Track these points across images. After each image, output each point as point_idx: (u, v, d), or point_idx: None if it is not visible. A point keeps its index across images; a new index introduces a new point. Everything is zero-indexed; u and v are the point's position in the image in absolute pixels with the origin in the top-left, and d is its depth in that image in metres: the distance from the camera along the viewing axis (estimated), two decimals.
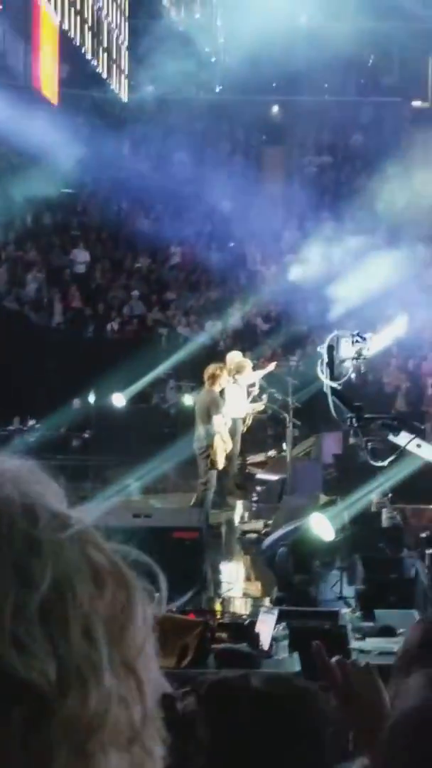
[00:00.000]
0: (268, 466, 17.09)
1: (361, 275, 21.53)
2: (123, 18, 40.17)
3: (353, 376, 10.55)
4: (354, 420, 9.69)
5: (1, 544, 0.90)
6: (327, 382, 9.70)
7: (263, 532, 13.13)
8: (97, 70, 37.45)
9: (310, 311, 23.17)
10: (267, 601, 10.28)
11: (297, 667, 6.88)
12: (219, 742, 2.28)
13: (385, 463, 9.88)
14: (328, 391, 9.68)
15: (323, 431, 16.41)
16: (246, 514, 15.23)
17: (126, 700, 0.91)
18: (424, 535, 11.20)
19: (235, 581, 12.25)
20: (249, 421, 15.67)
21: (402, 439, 9.57)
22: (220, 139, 34.08)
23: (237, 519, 15.01)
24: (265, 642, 7.32)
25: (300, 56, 36.20)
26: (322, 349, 9.91)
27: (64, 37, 34.54)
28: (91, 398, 19.83)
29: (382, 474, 11.20)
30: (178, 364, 21.55)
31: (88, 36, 36.92)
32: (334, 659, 2.46)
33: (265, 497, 15.44)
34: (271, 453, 17.91)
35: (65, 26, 34.75)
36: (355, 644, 7.67)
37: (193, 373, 19.11)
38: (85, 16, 36.73)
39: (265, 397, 15.52)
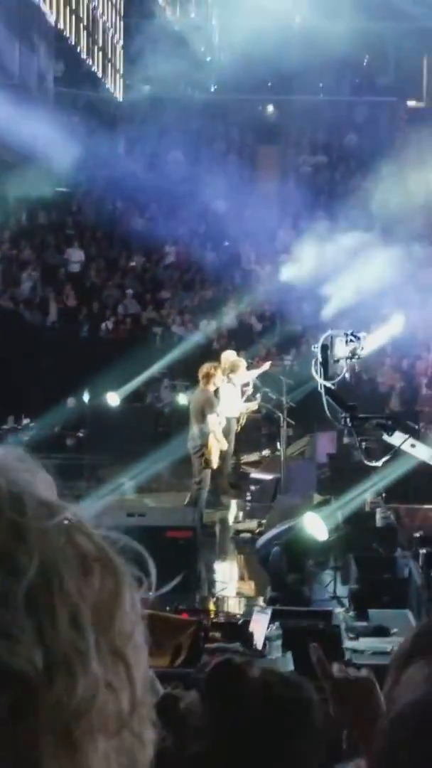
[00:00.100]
0: (262, 465, 17.09)
1: (355, 275, 21.54)
2: (118, 17, 40.17)
3: (347, 375, 10.57)
4: (348, 419, 9.70)
5: None
6: (321, 382, 9.71)
7: (257, 531, 13.14)
8: (92, 69, 37.43)
9: (304, 311, 23.18)
10: (260, 601, 10.29)
11: (290, 667, 6.89)
12: (220, 726, 2.30)
13: (380, 463, 9.89)
14: (323, 391, 9.69)
15: (317, 431, 16.42)
16: (240, 514, 15.24)
17: (114, 687, 0.91)
18: (417, 534, 11.20)
19: (228, 581, 12.26)
20: (243, 421, 15.67)
21: (396, 438, 9.58)
22: (215, 138, 34.08)
23: (231, 518, 15.01)
24: (258, 641, 7.33)
25: (295, 56, 36.18)
26: (317, 349, 9.92)
27: (59, 36, 34.52)
28: (86, 397, 19.81)
29: (376, 474, 11.22)
30: (173, 363, 21.56)
31: (83, 35, 36.91)
32: (333, 666, 2.46)
33: (259, 497, 15.45)
34: (265, 452, 17.92)
35: (60, 25, 34.73)
36: (348, 644, 7.68)
37: (187, 373, 19.12)
38: (81, 15, 36.72)
39: (259, 396, 15.52)
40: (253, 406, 15.57)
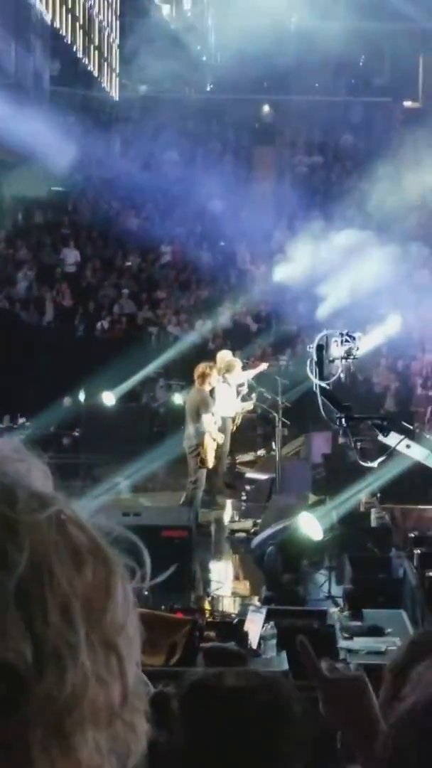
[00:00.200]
0: (257, 465, 17.10)
1: (351, 275, 21.55)
2: (114, 16, 40.14)
3: (343, 375, 10.57)
4: (343, 420, 9.71)
5: None
6: (316, 382, 9.72)
7: (252, 531, 13.15)
8: (89, 69, 37.41)
9: (300, 311, 23.18)
10: (255, 600, 10.30)
11: (285, 666, 6.91)
12: (198, 742, 2.32)
13: (375, 464, 9.90)
14: (318, 391, 9.71)
15: (312, 431, 16.43)
16: (235, 514, 15.23)
17: (105, 679, 0.92)
18: (412, 535, 11.23)
19: (223, 580, 12.27)
20: (238, 420, 15.68)
21: (391, 439, 9.59)
22: (211, 138, 34.06)
23: (226, 518, 15.01)
24: (253, 641, 7.35)
25: (291, 56, 36.24)
26: (312, 349, 9.93)
27: (55, 35, 34.50)
28: (81, 397, 19.81)
29: (371, 474, 11.23)
30: (168, 363, 21.55)
31: (80, 34, 36.88)
32: (322, 663, 2.47)
33: (254, 496, 15.45)
34: (261, 452, 17.92)
35: (56, 24, 34.70)
36: (343, 643, 7.70)
37: (182, 372, 19.11)
38: (77, 14, 36.69)
39: (254, 396, 15.53)
40: (249, 405, 15.57)
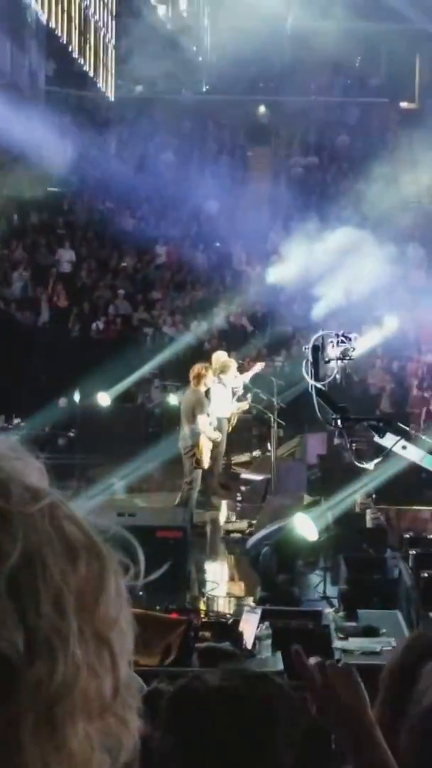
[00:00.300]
0: (252, 466, 17.10)
1: (346, 276, 21.56)
2: (110, 16, 40.12)
3: (338, 376, 10.57)
4: (339, 421, 9.71)
5: None
6: (312, 383, 9.71)
7: (247, 531, 13.15)
8: (84, 69, 37.40)
9: (295, 312, 23.19)
10: (250, 601, 10.30)
11: (280, 666, 6.91)
12: (185, 742, 2.33)
13: (371, 465, 9.90)
14: (313, 392, 9.70)
15: (308, 432, 16.44)
16: (230, 514, 15.24)
17: (96, 671, 0.92)
18: (407, 535, 11.24)
19: (218, 580, 12.26)
20: (234, 421, 15.68)
21: (387, 440, 9.58)
22: (206, 138, 34.09)
23: (221, 519, 15.02)
24: (248, 641, 7.35)
25: (286, 57, 36.26)
26: (308, 350, 9.93)
27: (50, 35, 34.48)
28: (77, 397, 19.81)
29: (366, 475, 11.23)
30: (164, 363, 21.57)
31: (75, 34, 36.86)
32: (312, 659, 2.46)
33: (250, 497, 15.45)
34: (256, 453, 17.92)
35: (52, 24, 34.69)
36: (338, 644, 7.70)
37: (178, 373, 19.13)
38: (72, 14, 36.68)
39: (249, 396, 15.53)
40: (244, 405, 15.58)
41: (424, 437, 10.47)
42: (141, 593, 7.19)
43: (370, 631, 7.98)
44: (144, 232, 27.55)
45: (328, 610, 8.90)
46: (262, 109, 35.94)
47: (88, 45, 38.05)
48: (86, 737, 0.92)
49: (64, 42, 35.94)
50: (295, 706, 2.41)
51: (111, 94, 38.51)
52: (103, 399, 19.24)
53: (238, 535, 13.58)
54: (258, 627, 7.51)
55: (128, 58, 35.98)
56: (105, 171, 28.99)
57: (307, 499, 12.44)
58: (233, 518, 14.95)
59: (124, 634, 0.96)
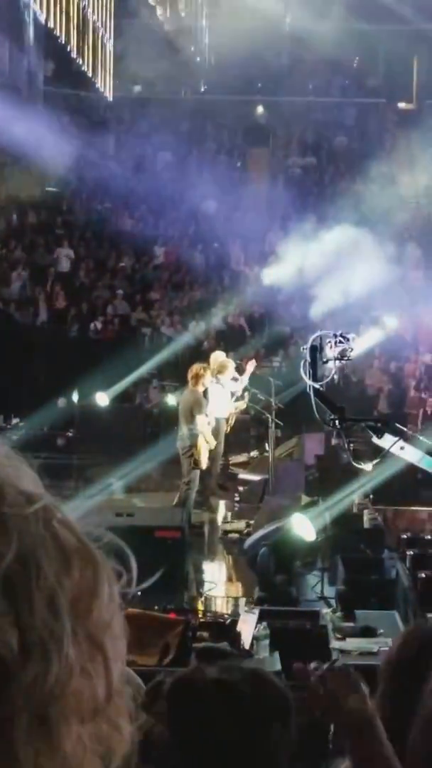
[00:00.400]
0: (250, 466, 17.11)
1: (344, 276, 21.55)
2: (108, 17, 40.10)
3: (336, 377, 10.57)
4: (336, 421, 9.71)
5: None
6: (310, 383, 9.71)
7: (245, 532, 13.16)
8: (82, 69, 37.38)
9: (293, 312, 23.19)
10: (248, 601, 10.30)
11: (277, 666, 6.91)
12: (186, 735, 2.34)
13: (369, 466, 9.90)
14: (311, 392, 9.70)
15: (306, 432, 16.43)
16: (228, 514, 15.24)
17: (89, 673, 0.93)
18: (404, 536, 11.24)
19: (216, 581, 12.26)
20: (232, 421, 15.69)
21: (385, 441, 9.59)
22: (205, 139, 34.09)
23: (219, 519, 15.02)
24: (246, 641, 7.36)
25: (285, 57, 36.28)
26: (306, 350, 9.93)
27: (49, 35, 34.46)
28: (75, 397, 19.81)
29: (364, 475, 11.24)
30: (162, 363, 21.57)
31: (74, 34, 36.85)
32: (312, 665, 2.48)
33: (247, 497, 15.46)
34: (254, 453, 17.93)
35: (50, 24, 34.66)
36: (335, 644, 7.71)
37: (176, 373, 19.13)
38: (71, 14, 36.66)
39: (247, 396, 15.53)
40: (242, 405, 15.58)
41: (421, 438, 10.46)
42: (138, 594, 7.21)
43: (368, 632, 7.99)
44: (142, 232, 27.56)
45: (326, 611, 8.91)
46: (260, 109, 35.94)
47: (86, 45, 38.02)
48: (79, 740, 0.92)
49: (63, 42, 35.92)
50: (292, 701, 2.43)
51: (109, 95, 38.49)
52: (102, 399, 19.23)
53: (236, 535, 13.59)
54: (256, 627, 7.52)
55: (126, 58, 35.97)
56: (103, 171, 28.99)
57: (304, 499, 12.45)
58: (231, 518, 14.95)
59: (117, 639, 0.97)
